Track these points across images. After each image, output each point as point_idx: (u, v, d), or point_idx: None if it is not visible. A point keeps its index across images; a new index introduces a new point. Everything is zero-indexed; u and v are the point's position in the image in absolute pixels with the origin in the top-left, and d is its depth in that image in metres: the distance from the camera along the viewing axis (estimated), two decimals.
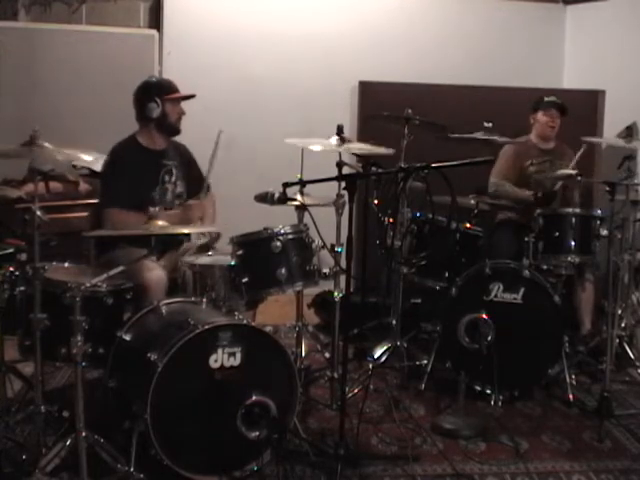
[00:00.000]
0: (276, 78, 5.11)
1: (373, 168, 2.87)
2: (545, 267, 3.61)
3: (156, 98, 3.44)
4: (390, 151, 3.31)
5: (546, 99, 4.23)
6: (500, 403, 3.33)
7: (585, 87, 5.19)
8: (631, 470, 2.79)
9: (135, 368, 2.64)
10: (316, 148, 3.17)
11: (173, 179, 3.54)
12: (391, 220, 3.47)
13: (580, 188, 4.21)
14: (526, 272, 3.42)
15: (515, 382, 3.38)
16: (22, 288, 2.79)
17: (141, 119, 3.49)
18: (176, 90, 3.53)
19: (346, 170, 3.13)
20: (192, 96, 3.56)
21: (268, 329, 2.82)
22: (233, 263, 2.94)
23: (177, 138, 3.63)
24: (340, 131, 3.17)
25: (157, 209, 2.95)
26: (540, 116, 4.24)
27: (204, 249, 3.27)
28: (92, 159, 3.06)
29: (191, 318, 2.62)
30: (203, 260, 3.11)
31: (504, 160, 4.18)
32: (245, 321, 2.73)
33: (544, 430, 3.14)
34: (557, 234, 3.61)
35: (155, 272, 3.16)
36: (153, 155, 3.50)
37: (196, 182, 3.70)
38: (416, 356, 3.76)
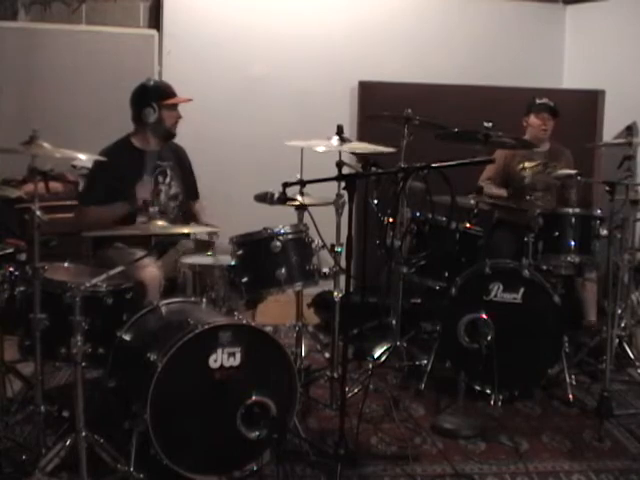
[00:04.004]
0: (276, 78, 5.11)
1: (373, 168, 2.87)
2: (545, 267, 3.61)
3: (153, 103, 3.42)
4: (391, 150, 3.31)
5: (538, 102, 4.21)
6: (500, 403, 3.33)
7: (585, 87, 5.19)
8: (631, 470, 2.79)
9: (135, 368, 2.64)
10: (320, 149, 3.16)
11: (167, 180, 3.54)
12: (391, 220, 3.47)
13: (577, 188, 4.22)
14: (526, 272, 3.42)
15: (515, 382, 3.38)
16: (22, 288, 2.79)
17: (137, 122, 3.49)
18: (173, 94, 3.51)
19: (346, 170, 3.13)
20: (189, 100, 3.55)
21: (268, 329, 2.82)
22: (233, 263, 2.94)
23: (177, 138, 3.62)
24: (340, 131, 3.17)
25: (156, 209, 2.95)
26: (532, 119, 4.24)
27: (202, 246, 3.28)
28: (91, 159, 3.06)
29: (191, 318, 2.62)
30: (203, 260, 3.11)
31: (493, 165, 4.16)
32: (245, 321, 2.73)
33: (544, 430, 3.14)
34: (557, 234, 3.61)
35: (149, 269, 3.16)
36: (146, 156, 3.50)
37: (191, 184, 3.71)
38: (416, 356, 3.76)
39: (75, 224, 3.41)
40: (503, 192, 4.17)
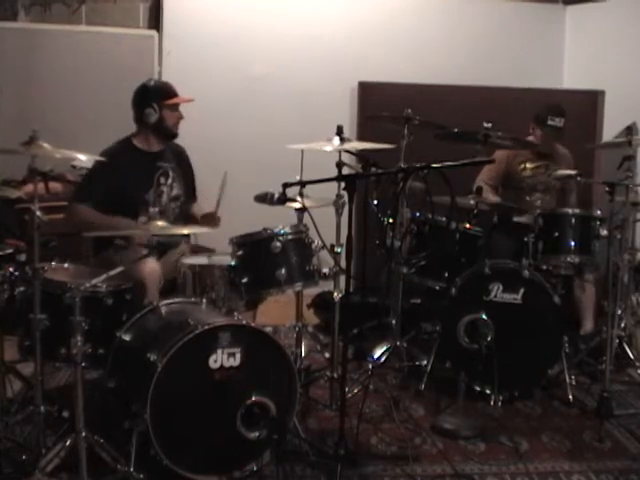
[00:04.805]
0: (276, 78, 5.11)
1: (373, 168, 2.87)
2: (545, 267, 3.61)
3: (154, 104, 3.41)
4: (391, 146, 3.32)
5: (550, 123, 4.11)
6: (500, 403, 3.33)
7: (585, 87, 5.19)
8: (631, 470, 2.79)
9: (135, 368, 2.64)
10: (328, 148, 3.16)
11: (169, 181, 3.53)
12: (391, 220, 3.47)
13: (577, 190, 4.21)
14: (526, 272, 3.42)
15: (515, 382, 3.38)
16: (22, 288, 2.79)
17: (139, 122, 3.48)
18: (175, 95, 3.49)
19: (346, 170, 3.13)
20: (190, 100, 3.54)
21: (268, 329, 2.82)
22: (233, 263, 2.94)
23: (177, 138, 3.62)
24: (340, 131, 3.17)
25: (156, 209, 2.95)
26: (539, 134, 4.20)
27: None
28: (91, 159, 3.06)
29: (191, 318, 2.62)
30: (203, 260, 3.11)
31: (494, 164, 4.14)
32: (245, 321, 2.72)
33: (544, 430, 3.14)
34: (557, 234, 3.61)
35: (147, 264, 3.15)
36: (148, 157, 3.49)
37: (190, 186, 3.70)
38: (416, 356, 3.76)
39: (66, 222, 3.40)
40: (497, 200, 4.15)
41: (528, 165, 4.24)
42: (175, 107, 3.49)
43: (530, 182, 4.21)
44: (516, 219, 4.01)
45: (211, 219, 3.47)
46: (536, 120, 4.21)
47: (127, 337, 2.78)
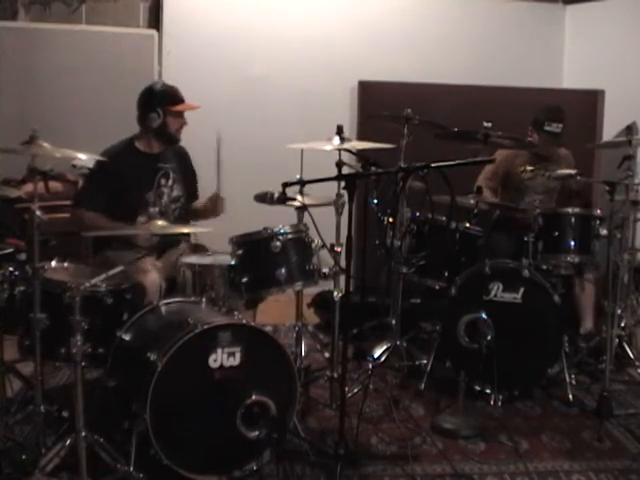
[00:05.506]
0: (276, 78, 5.11)
1: (373, 168, 2.87)
2: (545, 267, 3.61)
3: (158, 109, 3.39)
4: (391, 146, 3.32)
5: (547, 128, 4.08)
6: (500, 403, 3.33)
7: (585, 87, 5.19)
8: (631, 470, 2.79)
9: (135, 368, 2.64)
10: (328, 148, 3.16)
11: (170, 182, 3.52)
12: (391, 220, 3.47)
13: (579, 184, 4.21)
14: (526, 272, 3.42)
15: (515, 382, 3.38)
16: (22, 288, 2.79)
17: (141, 124, 3.47)
18: (181, 101, 3.45)
19: (346, 170, 3.13)
20: (195, 107, 3.50)
21: (268, 329, 2.82)
22: (233, 263, 2.94)
23: None
24: (340, 131, 3.17)
25: (157, 210, 2.95)
26: (535, 138, 4.18)
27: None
28: (91, 159, 3.06)
29: (191, 318, 2.62)
30: (203, 260, 3.11)
31: (493, 165, 4.14)
32: (244, 321, 2.72)
33: (544, 430, 3.14)
34: (557, 234, 3.61)
35: (150, 274, 3.16)
36: (149, 159, 3.48)
37: (192, 187, 3.70)
38: (416, 356, 3.76)
39: (72, 223, 3.41)
40: (495, 201, 4.15)
41: (528, 167, 4.23)
42: (180, 114, 3.46)
43: (529, 184, 4.20)
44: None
45: (215, 202, 3.46)
46: (534, 124, 4.19)
47: (127, 336, 2.78)
